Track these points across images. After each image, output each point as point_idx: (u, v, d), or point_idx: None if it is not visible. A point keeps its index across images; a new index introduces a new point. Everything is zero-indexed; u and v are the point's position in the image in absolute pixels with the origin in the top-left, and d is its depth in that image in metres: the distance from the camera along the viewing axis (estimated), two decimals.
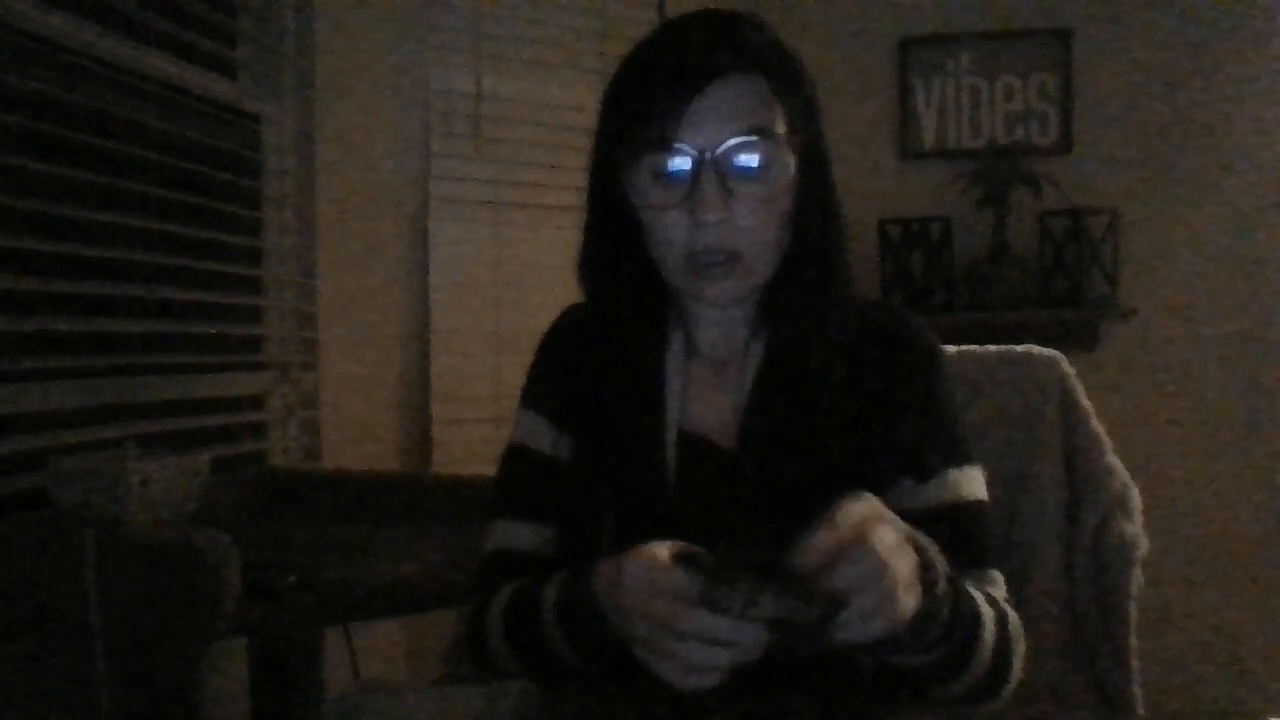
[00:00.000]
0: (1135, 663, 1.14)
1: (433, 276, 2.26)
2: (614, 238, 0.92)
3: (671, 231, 0.85)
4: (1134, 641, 1.14)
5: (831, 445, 0.87)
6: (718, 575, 0.65)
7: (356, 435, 2.07)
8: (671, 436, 0.90)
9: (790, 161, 0.85)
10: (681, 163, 0.83)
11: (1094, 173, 2.86)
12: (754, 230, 0.84)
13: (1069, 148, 2.89)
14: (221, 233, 1.84)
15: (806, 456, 0.86)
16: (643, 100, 0.84)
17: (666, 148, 0.83)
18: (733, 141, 0.82)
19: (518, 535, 0.94)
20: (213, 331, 1.83)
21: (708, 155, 0.82)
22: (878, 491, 0.84)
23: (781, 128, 0.85)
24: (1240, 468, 2.79)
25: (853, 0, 3.01)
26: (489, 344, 2.37)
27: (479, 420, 2.32)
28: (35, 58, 1.43)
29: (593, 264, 0.95)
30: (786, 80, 0.86)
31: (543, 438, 0.96)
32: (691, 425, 0.91)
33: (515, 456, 0.97)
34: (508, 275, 2.41)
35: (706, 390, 0.93)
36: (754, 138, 0.83)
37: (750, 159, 0.83)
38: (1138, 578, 1.14)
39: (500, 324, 2.38)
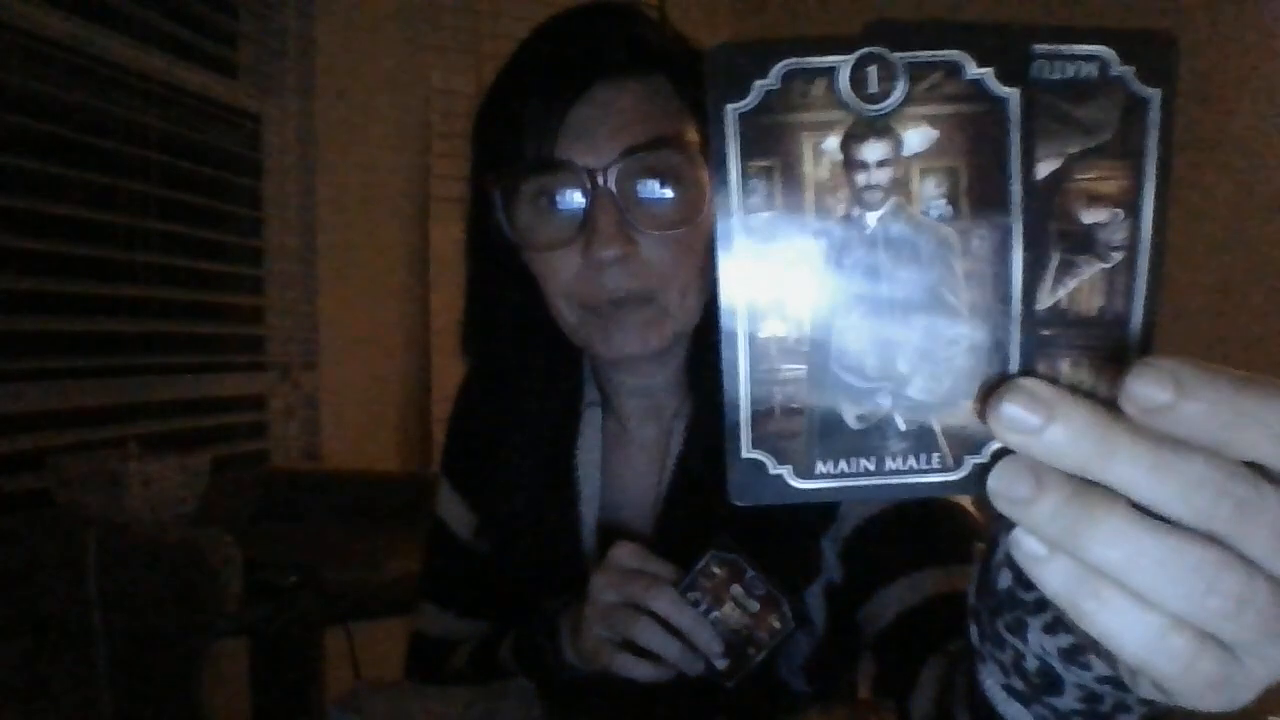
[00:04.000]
0: None
1: (433, 276, 2.26)
2: (505, 295, 0.76)
3: (564, 277, 0.68)
4: None
5: (763, 535, 0.71)
6: (700, 574, 0.66)
7: (356, 435, 2.07)
8: (589, 531, 0.79)
9: (708, 178, 0.66)
10: (570, 189, 0.66)
11: None
12: (667, 266, 0.67)
13: None
14: (222, 233, 1.84)
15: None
16: (515, 112, 0.67)
17: (546, 167, 0.66)
18: (630, 155, 0.65)
19: (444, 624, 0.89)
20: (213, 331, 1.83)
21: (600, 175, 0.64)
22: (813, 580, 0.72)
23: (693, 137, 0.67)
24: None
25: (851, 1, 3.01)
26: None
27: None
28: (35, 58, 1.43)
29: (481, 331, 0.79)
30: (696, 80, 0.67)
31: (461, 520, 0.87)
32: (611, 515, 0.79)
33: (438, 536, 0.89)
34: None
35: (630, 473, 0.80)
36: (658, 150, 0.65)
37: (655, 176, 0.66)
38: None
39: None
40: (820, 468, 0.28)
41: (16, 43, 1.39)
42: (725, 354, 0.27)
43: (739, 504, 0.28)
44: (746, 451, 0.28)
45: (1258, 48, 2.77)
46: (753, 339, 0.27)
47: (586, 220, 0.65)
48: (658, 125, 0.66)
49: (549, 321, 0.73)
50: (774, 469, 0.28)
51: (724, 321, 0.27)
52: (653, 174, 0.66)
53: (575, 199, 0.66)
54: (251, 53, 1.93)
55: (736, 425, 0.28)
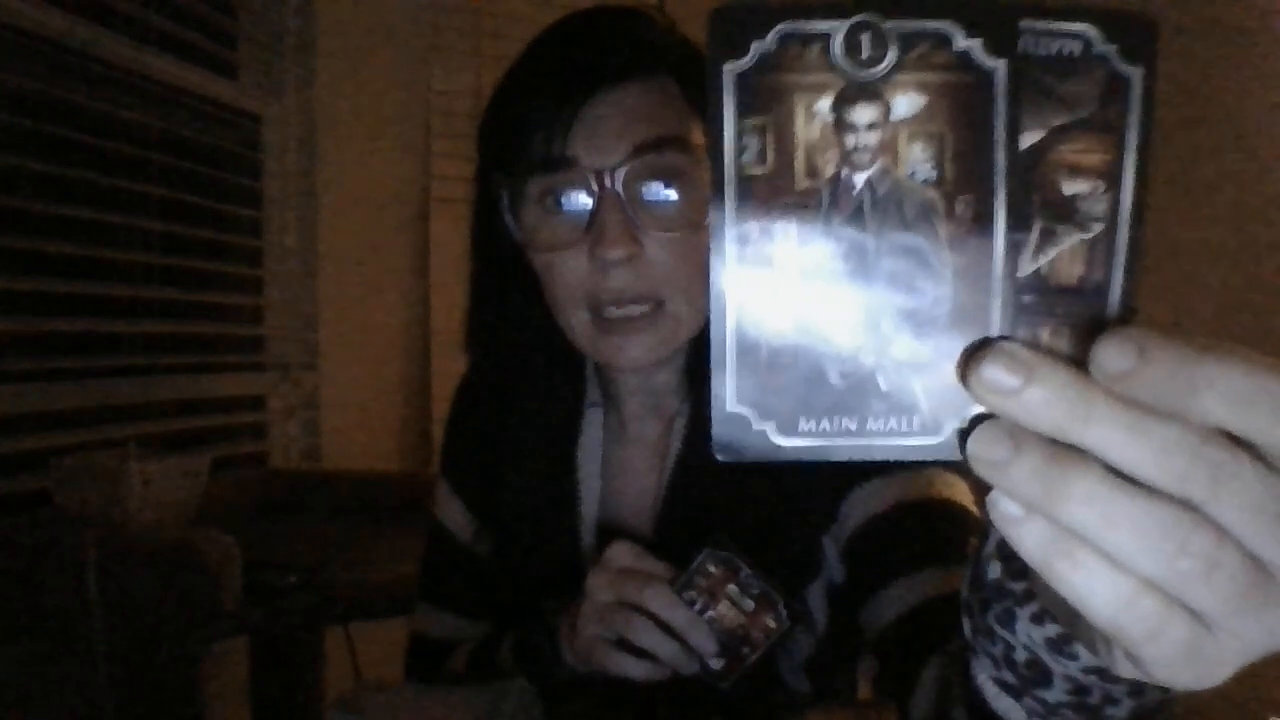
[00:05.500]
0: None
1: (433, 276, 2.26)
2: (508, 296, 0.77)
3: (570, 279, 0.68)
4: None
5: (763, 534, 0.71)
6: (696, 572, 0.66)
7: (356, 435, 2.07)
8: (589, 532, 0.79)
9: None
10: (576, 189, 0.67)
11: None
12: (674, 269, 0.67)
13: None
14: (222, 233, 1.84)
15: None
16: (523, 112, 0.67)
17: (554, 167, 0.66)
18: (637, 156, 0.65)
19: (443, 625, 0.88)
20: (214, 332, 1.83)
21: (607, 176, 0.65)
22: (813, 579, 0.72)
23: (699, 139, 0.68)
24: None
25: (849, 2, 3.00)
26: None
27: None
28: (35, 58, 1.43)
29: (484, 331, 0.80)
30: (702, 82, 0.74)
31: (460, 521, 0.87)
32: (611, 515, 0.79)
33: (437, 538, 0.89)
34: None
35: (631, 472, 0.80)
36: (664, 150, 0.66)
37: (662, 178, 0.66)
38: None
39: None
40: (803, 424, 0.28)
41: (17, 43, 1.39)
42: (713, 308, 0.28)
43: (722, 459, 0.28)
44: (731, 406, 0.28)
45: (1259, 34, 2.78)
46: (740, 294, 0.28)
47: (593, 221, 0.66)
48: (664, 126, 0.66)
49: (552, 322, 0.73)
50: (757, 424, 0.28)
51: (712, 276, 0.28)
52: (659, 175, 0.66)
53: (582, 200, 0.66)
54: (251, 53, 1.93)
55: (722, 379, 0.28)
